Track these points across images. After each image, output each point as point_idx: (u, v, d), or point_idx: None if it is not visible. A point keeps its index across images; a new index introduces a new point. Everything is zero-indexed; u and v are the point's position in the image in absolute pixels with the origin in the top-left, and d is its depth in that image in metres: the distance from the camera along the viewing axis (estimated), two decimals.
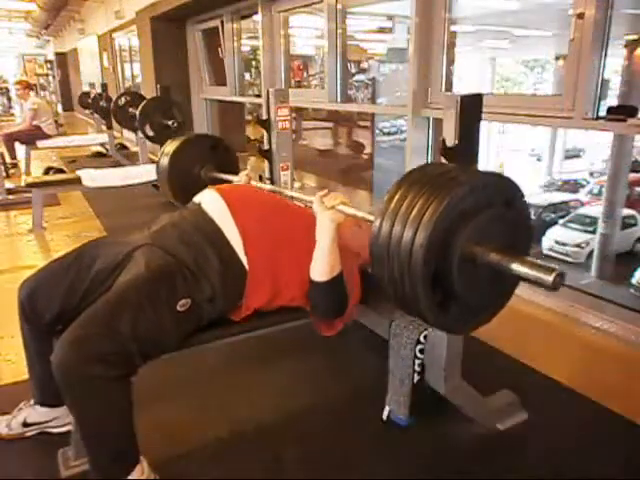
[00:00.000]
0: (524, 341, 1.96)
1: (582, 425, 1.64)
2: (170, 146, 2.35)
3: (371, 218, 1.25)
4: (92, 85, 8.05)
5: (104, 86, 6.88)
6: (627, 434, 1.59)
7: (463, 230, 1.01)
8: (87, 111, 8.24)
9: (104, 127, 6.66)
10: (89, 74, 11.08)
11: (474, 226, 1.02)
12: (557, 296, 2.01)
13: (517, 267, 1.00)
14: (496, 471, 1.46)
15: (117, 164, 6.03)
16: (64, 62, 15.16)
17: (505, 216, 1.08)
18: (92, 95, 7.31)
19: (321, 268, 1.45)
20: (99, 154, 7.09)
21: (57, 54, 15.66)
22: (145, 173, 4.11)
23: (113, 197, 4.46)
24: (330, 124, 7.87)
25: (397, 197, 1.05)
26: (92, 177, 3.86)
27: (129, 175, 4.13)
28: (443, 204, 0.98)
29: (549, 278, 0.94)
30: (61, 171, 5.56)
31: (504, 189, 1.10)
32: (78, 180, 3.77)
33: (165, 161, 2.33)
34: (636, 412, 1.60)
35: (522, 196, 1.13)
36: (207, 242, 1.43)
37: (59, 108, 14.68)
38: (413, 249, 0.98)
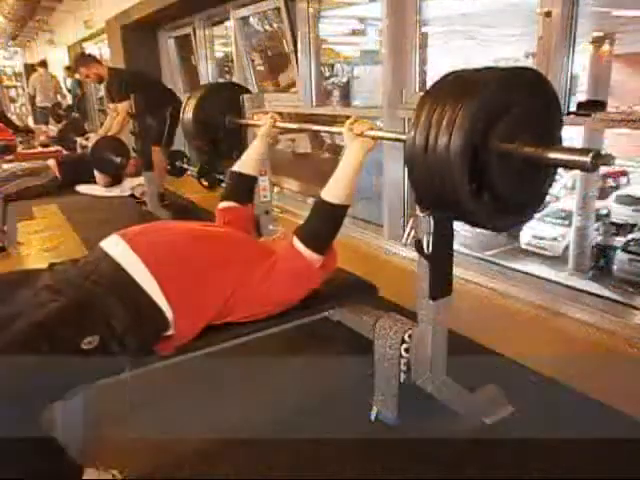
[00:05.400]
0: (506, 335, 1.99)
1: (567, 417, 1.66)
2: (192, 99, 2.37)
3: (402, 137, 1.31)
4: (64, 96, 7.93)
5: (76, 98, 6.80)
6: (613, 424, 1.60)
7: (495, 129, 1.03)
8: (59, 125, 8.11)
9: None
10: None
11: (506, 123, 1.04)
12: (537, 290, 2.05)
13: (554, 155, 1.00)
14: (485, 465, 1.47)
15: None
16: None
17: (534, 106, 1.09)
18: (63, 107, 7.21)
19: (338, 191, 1.47)
20: None
21: (27, 65, 15.35)
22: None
23: (89, 209, 4.41)
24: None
25: (427, 106, 1.09)
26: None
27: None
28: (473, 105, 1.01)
29: (587, 159, 0.94)
30: None
31: (529, 80, 1.10)
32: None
33: (189, 115, 2.36)
34: (622, 401, 1.62)
35: (547, 82, 1.12)
36: (112, 288, 1.31)
37: (30, 121, 14.40)
38: (451, 148, 1.01)
